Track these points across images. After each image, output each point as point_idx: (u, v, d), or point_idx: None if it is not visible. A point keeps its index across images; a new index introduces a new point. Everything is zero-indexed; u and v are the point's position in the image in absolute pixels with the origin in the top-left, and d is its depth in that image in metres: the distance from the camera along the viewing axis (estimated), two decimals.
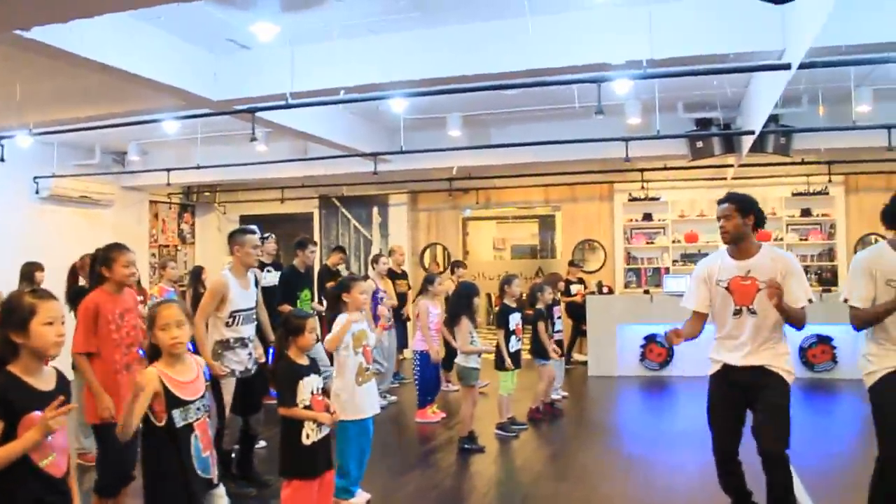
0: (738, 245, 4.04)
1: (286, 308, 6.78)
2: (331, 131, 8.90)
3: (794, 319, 3.90)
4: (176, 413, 3.04)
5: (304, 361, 4.14)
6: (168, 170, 10.30)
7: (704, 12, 5.42)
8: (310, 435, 4.04)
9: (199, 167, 9.57)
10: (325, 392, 4.32)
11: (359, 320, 4.99)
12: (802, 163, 10.18)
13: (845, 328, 3.95)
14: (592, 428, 7.72)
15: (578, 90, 7.55)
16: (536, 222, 16.07)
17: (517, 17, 5.80)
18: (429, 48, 6.29)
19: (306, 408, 4.04)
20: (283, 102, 6.36)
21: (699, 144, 8.98)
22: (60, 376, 2.80)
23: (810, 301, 3.94)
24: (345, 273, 8.89)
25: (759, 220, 4.07)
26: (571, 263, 12.00)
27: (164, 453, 3.05)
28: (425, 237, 13.79)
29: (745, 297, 4.00)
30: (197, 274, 9.05)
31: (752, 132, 7.43)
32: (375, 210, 13.70)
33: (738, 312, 4.03)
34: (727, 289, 4.06)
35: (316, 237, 13.68)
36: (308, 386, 4.06)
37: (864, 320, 3.73)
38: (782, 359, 3.97)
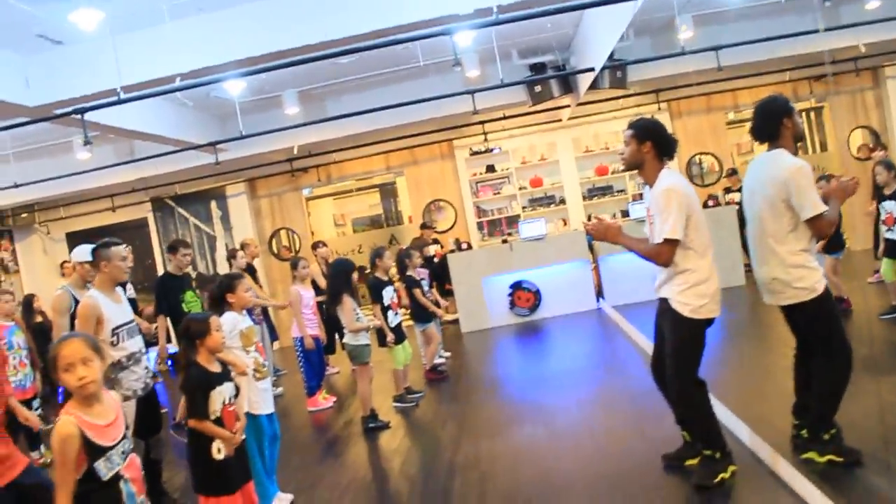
0: (640, 173, 3.96)
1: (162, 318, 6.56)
2: (162, 126, 8.28)
3: (644, 255, 3.85)
4: (99, 465, 2.66)
5: (216, 368, 3.78)
6: None
7: None
8: (221, 449, 3.72)
9: (16, 185, 8.70)
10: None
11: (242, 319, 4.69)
12: (633, 94, 10.56)
13: None
14: (485, 383, 7.74)
15: (419, 48, 7.40)
16: (376, 192, 15.92)
17: None
18: (264, 23, 5.95)
19: (216, 420, 3.71)
20: (114, 99, 5.82)
21: (538, 88, 9.11)
22: None
23: (667, 241, 3.74)
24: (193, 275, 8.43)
25: (663, 147, 3.91)
26: (423, 226, 11.97)
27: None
28: (270, 224, 13.30)
29: (650, 228, 3.96)
30: (29, 304, 8.37)
31: (593, 69, 7.57)
32: (214, 204, 13.04)
33: None
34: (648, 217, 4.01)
35: (155, 243, 12.90)
36: (220, 396, 3.72)
37: (832, 224, 3.74)
38: (681, 291, 3.83)
